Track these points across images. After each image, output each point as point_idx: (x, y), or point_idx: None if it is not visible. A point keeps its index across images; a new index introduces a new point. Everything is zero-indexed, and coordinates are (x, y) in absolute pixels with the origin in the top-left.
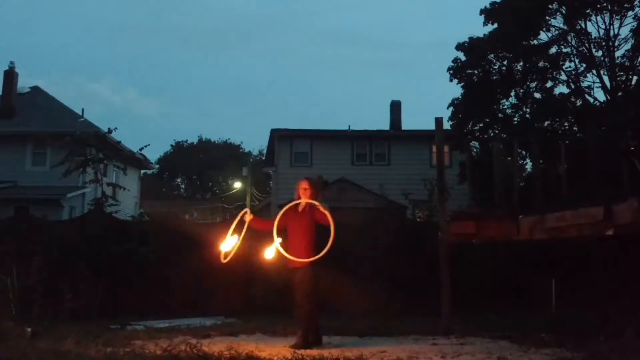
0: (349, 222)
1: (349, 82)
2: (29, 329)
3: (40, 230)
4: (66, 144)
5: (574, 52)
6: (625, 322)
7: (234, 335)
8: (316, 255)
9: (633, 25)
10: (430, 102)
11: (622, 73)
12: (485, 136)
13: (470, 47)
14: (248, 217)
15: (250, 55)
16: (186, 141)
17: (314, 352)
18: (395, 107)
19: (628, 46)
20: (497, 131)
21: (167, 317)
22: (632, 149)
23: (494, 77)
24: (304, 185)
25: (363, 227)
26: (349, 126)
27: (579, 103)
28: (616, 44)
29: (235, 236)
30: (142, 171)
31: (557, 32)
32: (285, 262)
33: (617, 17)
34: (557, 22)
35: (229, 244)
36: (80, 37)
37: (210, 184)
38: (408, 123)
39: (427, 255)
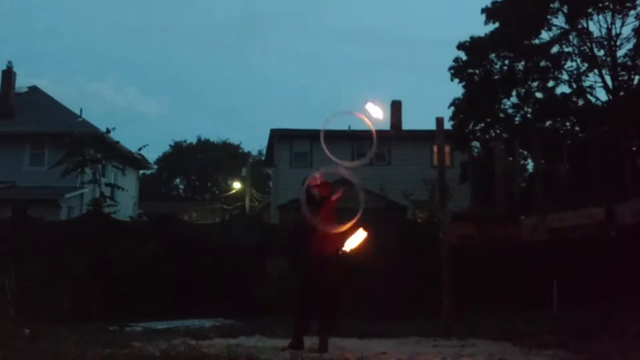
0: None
1: (350, 81)
2: (28, 330)
3: (38, 231)
4: (64, 144)
5: (576, 52)
6: (628, 322)
7: (233, 336)
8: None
9: (635, 25)
10: (431, 101)
11: (624, 73)
12: (487, 136)
13: (472, 46)
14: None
15: (249, 54)
16: (185, 141)
17: (314, 353)
18: (396, 107)
19: (630, 45)
20: (498, 131)
21: (166, 319)
22: (634, 149)
23: (495, 77)
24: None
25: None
26: (349, 126)
27: (580, 103)
28: (618, 43)
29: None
30: (141, 171)
31: (558, 31)
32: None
33: (619, 16)
34: (559, 21)
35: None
36: (80, 37)
37: (209, 184)
38: (409, 123)
39: (427, 256)
